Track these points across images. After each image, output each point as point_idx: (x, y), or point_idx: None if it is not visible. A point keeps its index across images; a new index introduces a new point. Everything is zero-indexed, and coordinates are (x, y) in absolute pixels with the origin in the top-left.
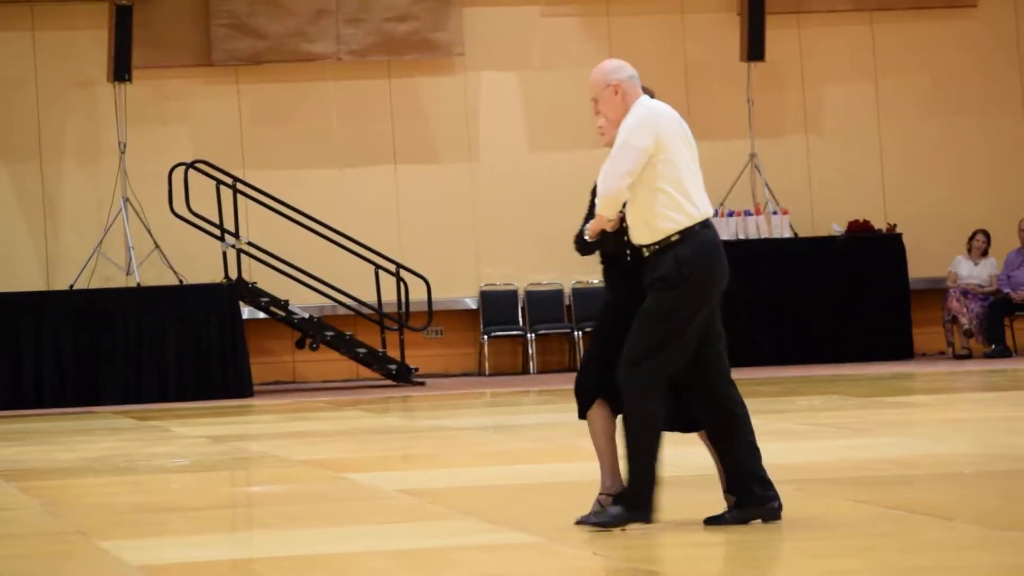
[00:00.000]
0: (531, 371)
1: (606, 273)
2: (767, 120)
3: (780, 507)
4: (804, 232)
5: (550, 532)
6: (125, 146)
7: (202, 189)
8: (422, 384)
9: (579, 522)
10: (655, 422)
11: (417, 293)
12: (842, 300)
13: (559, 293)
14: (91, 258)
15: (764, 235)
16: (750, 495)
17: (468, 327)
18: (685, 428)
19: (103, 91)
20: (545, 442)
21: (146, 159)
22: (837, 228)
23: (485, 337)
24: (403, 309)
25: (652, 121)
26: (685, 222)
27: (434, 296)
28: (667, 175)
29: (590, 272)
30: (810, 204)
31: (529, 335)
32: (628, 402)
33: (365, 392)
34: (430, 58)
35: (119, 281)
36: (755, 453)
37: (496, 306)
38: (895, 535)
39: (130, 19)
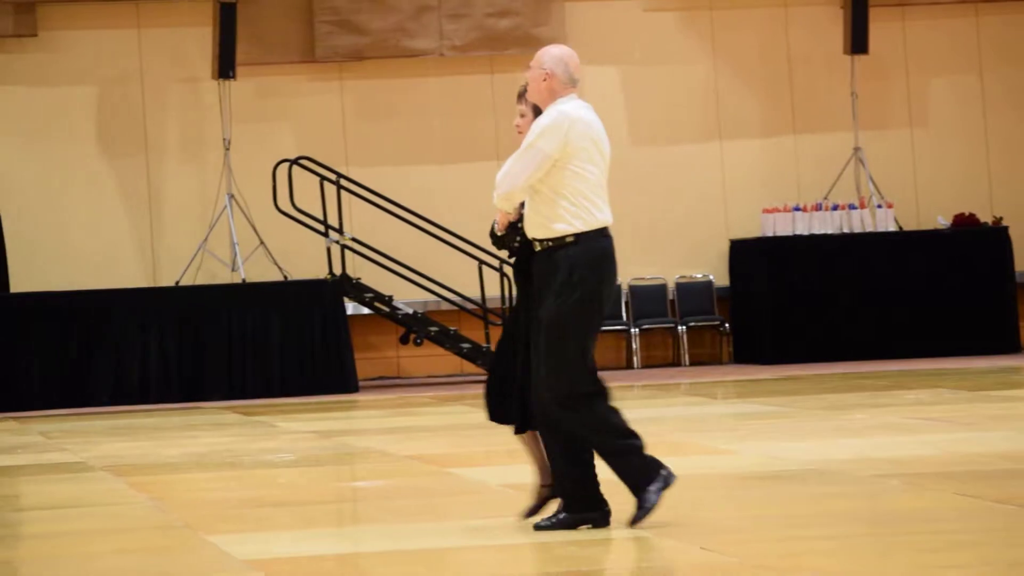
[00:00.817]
0: (635, 366)
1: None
2: (871, 113)
3: (609, 513)
4: (909, 225)
5: (657, 526)
6: (229, 142)
7: (306, 185)
8: None
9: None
10: (608, 423)
11: None
12: (947, 293)
13: (662, 288)
14: (196, 254)
15: (868, 229)
16: (579, 500)
17: None
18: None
19: (208, 87)
20: (650, 437)
21: (250, 155)
22: (942, 221)
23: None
24: (507, 304)
25: (564, 128)
26: (582, 227)
27: None
28: (571, 185)
29: (693, 266)
30: (915, 197)
31: (633, 330)
32: (574, 432)
33: (469, 387)
34: (532, 53)
35: (224, 277)
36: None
37: None
38: (1003, 530)
39: (234, 16)
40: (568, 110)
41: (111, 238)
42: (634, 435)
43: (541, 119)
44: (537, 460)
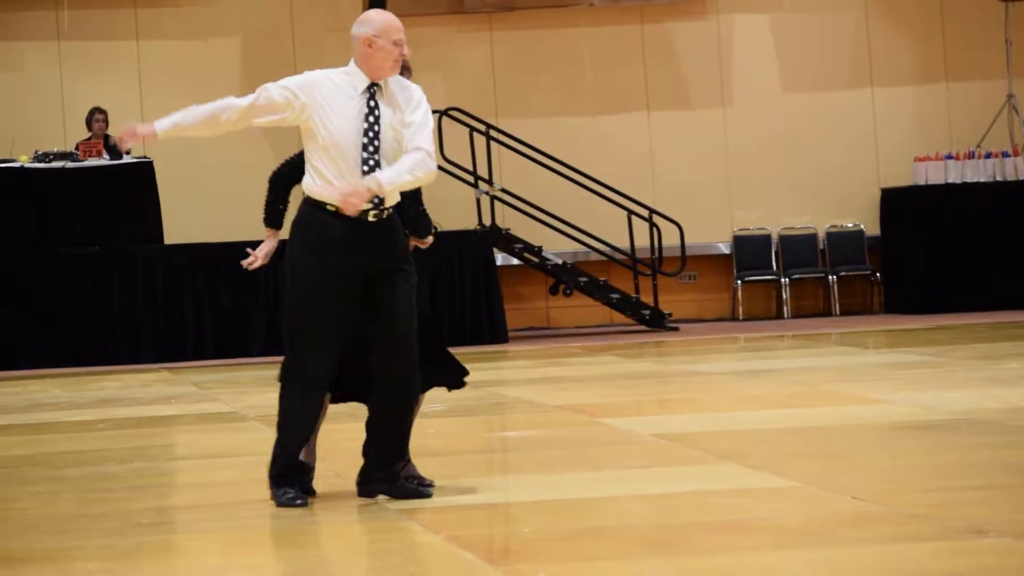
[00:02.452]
0: (785, 316)
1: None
2: None
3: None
4: None
5: (807, 476)
6: None
7: (456, 136)
8: (675, 329)
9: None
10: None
11: (670, 238)
12: None
13: (813, 237)
14: None
15: (1022, 177)
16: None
17: (721, 272)
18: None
19: None
20: (801, 386)
21: None
22: None
23: (738, 282)
24: (656, 254)
25: None
26: None
27: (687, 241)
28: None
29: (844, 215)
30: None
31: (783, 279)
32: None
33: (619, 337)
34: (682, 2)
35: None
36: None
37: (750, 250)
38: None
39: None
40: None
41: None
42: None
43: (416, 90)
44: None
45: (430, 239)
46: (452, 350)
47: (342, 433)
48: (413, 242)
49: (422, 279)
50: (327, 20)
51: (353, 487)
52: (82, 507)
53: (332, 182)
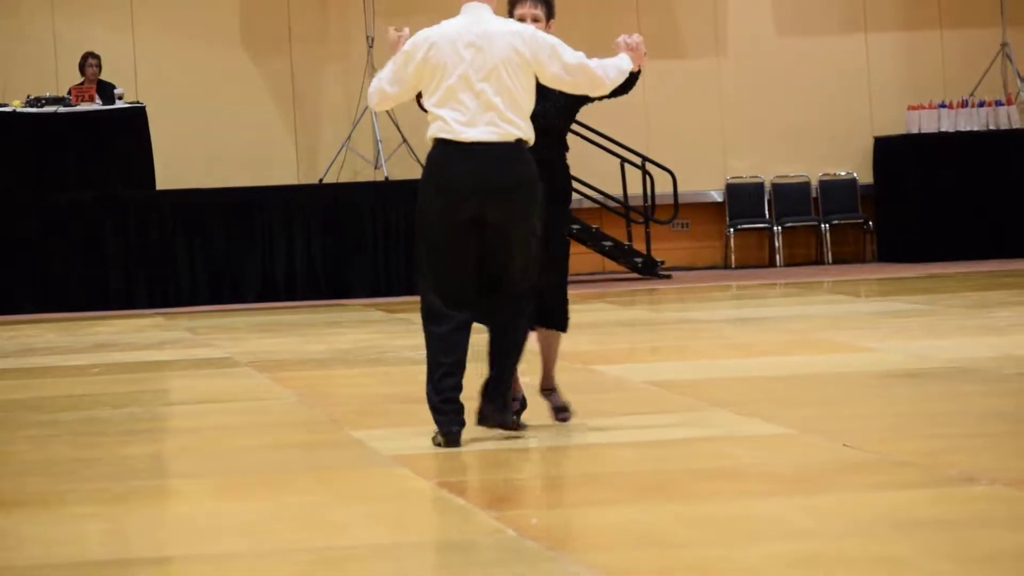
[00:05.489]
0: (777, 264)
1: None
2: (1019, 9)
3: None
4: None
5: (800, 423)
6: (373, 40)
7: None
8: (668, 277)
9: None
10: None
11: (663, 186)
12: None
13: (806, 185)
14: (340, 152)
15: (1016, 125)
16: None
17: (714, 220)
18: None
19: None
20: (793, 334)
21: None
22: None
23: (731, 230)
24: (649, 202)
25: None
26: None
27: (680, 189)
28: None
29: (837, 163)
30: None
31: (775, 228)
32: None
33: (611, 285)
34: None
35: (367, 175)
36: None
37: (742, 199)
38: None
39: None
40: None
41: (255, 135)
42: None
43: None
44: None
45: None
46: None
47: (329, 379)
48: None
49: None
50: None
51: (348, 433)
52: (75, 451)
53: None
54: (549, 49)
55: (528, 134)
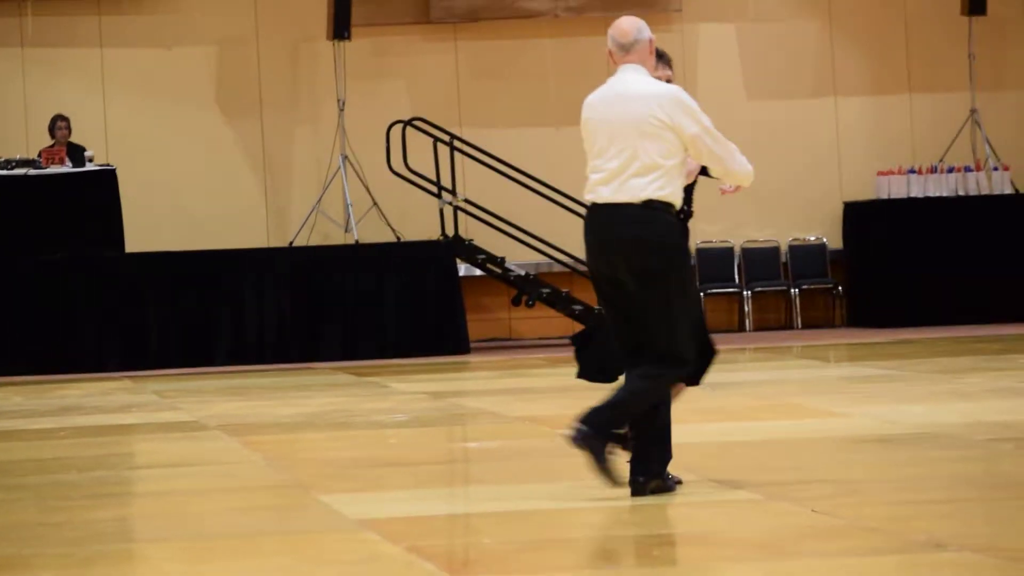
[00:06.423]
0: (747, 328)
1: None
2: (988, 75)
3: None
4: None
5: (768, 489)
6: (344, 103)
7: (420, 146)
8: None
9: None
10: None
11: None
12: None
13: (776, 250)
14: (310, 215)
15: (984, 192)
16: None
17: None
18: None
19: (323, 48)
20: (762, 399)
21: (364, 116)
22: None
23: (701, 295)
24: None
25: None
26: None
27: None
28: None
29: (807, 228)
30: None
31: (745, 292)
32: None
33: None
34: (648, 13)
35: (338, 238)
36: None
37: (712, 263)
38: None
39: None
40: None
41: (226, 198)
42: None
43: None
44: None
45: None
46: (413, 360)
47: (298, 443)
48: None
49: (386, 287)
50: (293, 30)
51: (316, 497)
52: (42, 515)
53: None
54: (689, 111)
55: (665, 194)
